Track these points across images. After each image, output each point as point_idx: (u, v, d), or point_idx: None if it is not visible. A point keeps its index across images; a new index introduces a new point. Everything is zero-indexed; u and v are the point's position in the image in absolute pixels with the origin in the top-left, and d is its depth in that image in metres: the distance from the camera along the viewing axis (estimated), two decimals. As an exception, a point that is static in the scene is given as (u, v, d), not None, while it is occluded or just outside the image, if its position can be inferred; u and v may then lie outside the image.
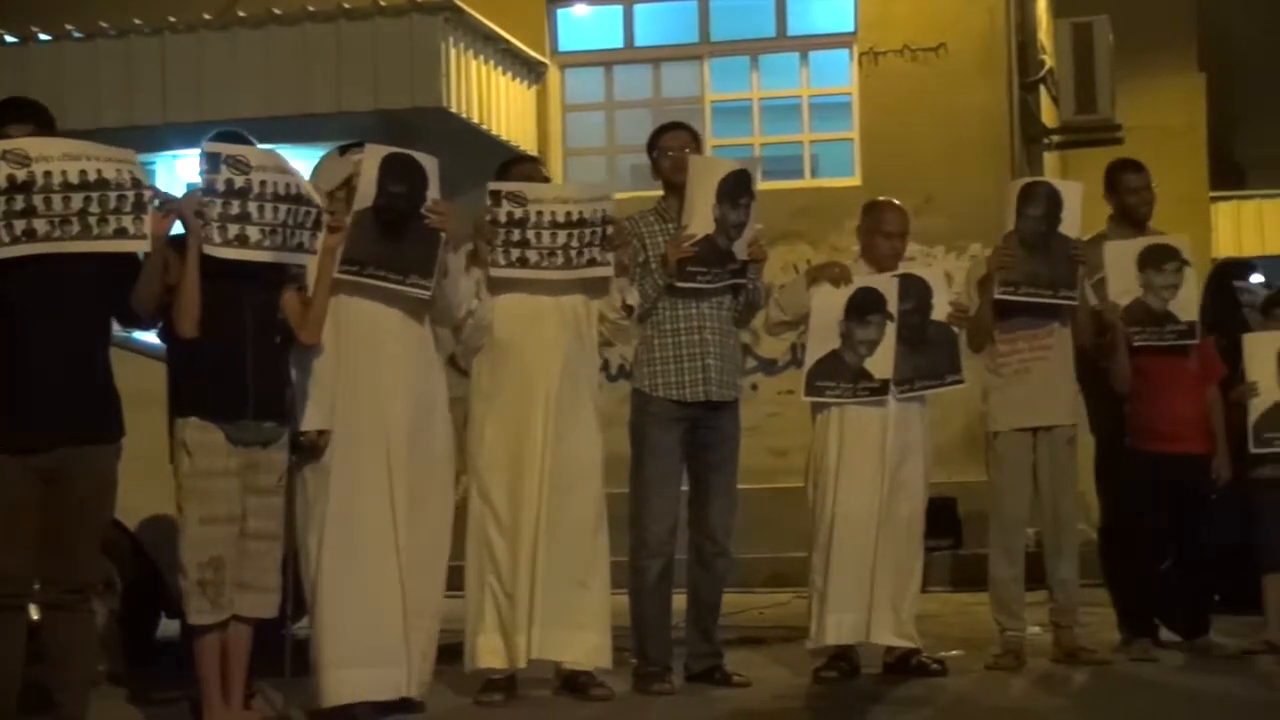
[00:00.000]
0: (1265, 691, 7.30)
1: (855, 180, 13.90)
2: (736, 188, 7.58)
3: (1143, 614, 8.47)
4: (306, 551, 6.69)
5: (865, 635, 7.74)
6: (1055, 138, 15.19)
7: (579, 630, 7.21)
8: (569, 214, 7.26)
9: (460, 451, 7.25)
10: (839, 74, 14.51)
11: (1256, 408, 8.49)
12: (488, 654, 7.17)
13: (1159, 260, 8.44)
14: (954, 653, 8.53)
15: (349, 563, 6.63)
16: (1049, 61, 14.95)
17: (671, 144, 7.84)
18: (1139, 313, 8.38)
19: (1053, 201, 8.19)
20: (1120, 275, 8.42)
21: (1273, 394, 8.49)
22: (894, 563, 7.77)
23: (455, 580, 7.18)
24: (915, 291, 7.91)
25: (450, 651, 7.25)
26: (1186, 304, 8.43)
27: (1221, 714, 6.77)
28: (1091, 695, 7.37)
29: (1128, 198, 8.91)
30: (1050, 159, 15.12)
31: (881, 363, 7.81)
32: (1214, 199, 19.47)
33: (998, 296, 8.09)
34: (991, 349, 8.27)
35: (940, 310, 7.94)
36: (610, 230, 7.32)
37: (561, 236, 7.25)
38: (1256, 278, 10.37)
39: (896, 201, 8.24)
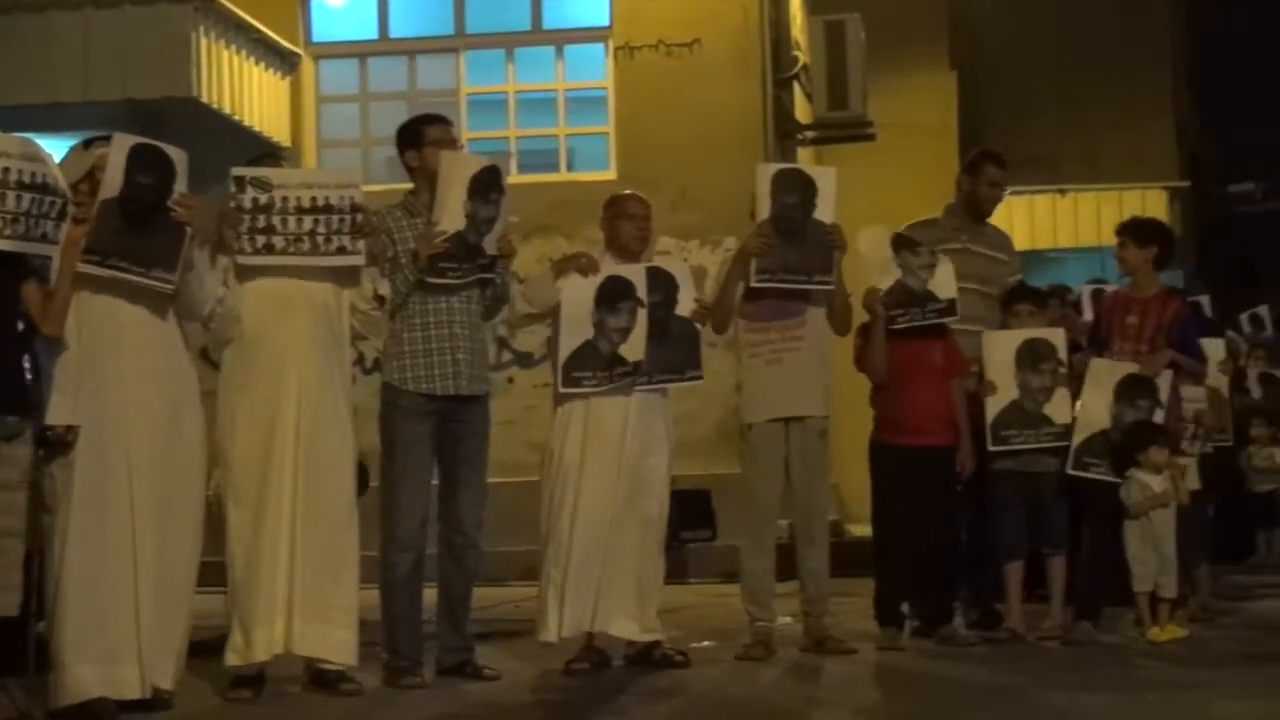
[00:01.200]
0: (1004, 676, 7.53)
1: (611, 174, 14.04)
2: (488, 184, 7.63)
3: (891, 603, 8.71)
4: (52, 548, 6.62)
5: (600, 625, 7.84)
6: (809, 133, 15.51)
7: (328, 626, 7.20)
8: (315, 199, 7.26)
9: (212, 445, 7.23)
10: (594, 68, 14.66)
11: (994, 406, 8.75)
12: (231, 653, 7.16)
13: (911, 245, 8.69)
14: (705, 644, 8.70)
15: (89, 559, 6.56)
16: (803, 58, 15.24)
17: (440, 136, 7.87)
18: (899, 295, 8.60)
19: (807, 188, 8.39)
20: (878, 262, 8.64)
21: (1010, 392, 8.77)
22: (636, 556, 7.88)
23: (214, 577, 7.16)
24: (662, 284, 8.04)
25: (207, 647, 7.25)
26: (944, 282, 8.64)
27: (958, 699, 6.96)
28: (838, 684, 7.54)
29: (982, 188, 9.20)
30: (804, 154, 15.41)
31: (634, 350, 7.92)
32: (966, 195, 19.94)
33: (754, 284, 8.25)
34: (743, 338, 8.45)
35: (685, 305, 8.08)
36: (359, 218, 7.34)
37: (308, 222, 7.24)
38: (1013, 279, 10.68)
39: (639, 193, 8.40)
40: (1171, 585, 8.58)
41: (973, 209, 9.28)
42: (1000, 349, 8.85)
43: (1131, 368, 8.79)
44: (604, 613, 7.81)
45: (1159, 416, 8.74)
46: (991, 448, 8.75)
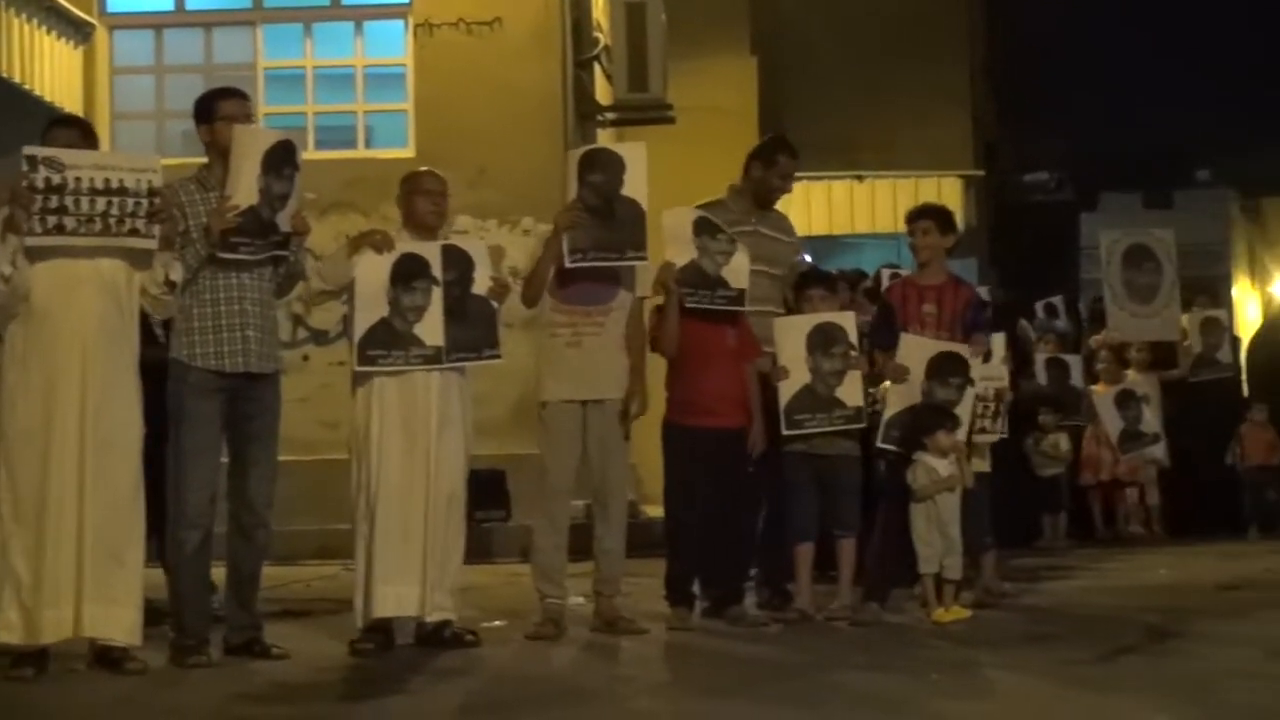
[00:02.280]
0: (791, 656, 7.67)
1: (409, 152, 13.99)
2: (281, 159, 7.60)
3: (681, 583, 8.82)
4: None
5: (413, 609, 7.89)
6: (609, 115, 15.59)
7: (113, 606, 7.15)
8: (109, 181, 7.17)
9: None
10: (394, 45, 14.58)
11: (787, 390, 8.90)
12: (4, 630, 7.10)
13: (712, 229, 8.80)
14: (497, 623, 8.75)
15: None
16: (604, 39, 15.31)
17: (234, 111, 7.79)
18: (693, 275, 8.70)
19: (614, 166, 8.47)
20: (678, 242, 8.74)
21: (802, 376, 8.94)
22: (436, 534, 7.91)
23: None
24: (457, 262, 8.06)
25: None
26: (738, 271, 8.77)
27: (745, 679, 7.06)
28: (627, 663, 7.63)
29: (774, 179, 9.35)
30: (604, 136, 15.47)
31: (431, 329, 7.93)
32: (763, 180, 20.14)
33: (568, 264, 8.33)
34: (546, 318, 8.50)
35: (481, 284, 8.11)
36: (156, 202, 7.27)
37: (101, 203, 7.15)
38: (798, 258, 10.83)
39: (436, 170, 8.42)
40: (956, 567, 8.79)
41: (760, 197, 9.43)
42: (792, 334, 9.00)
43: (943, 346, 8.98)
44: (413, 596, 7.83)
45: (969, 396, 8.95)
46: (785, 431, 8.89)
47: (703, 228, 8.78)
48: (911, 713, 6.08)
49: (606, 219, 8.38)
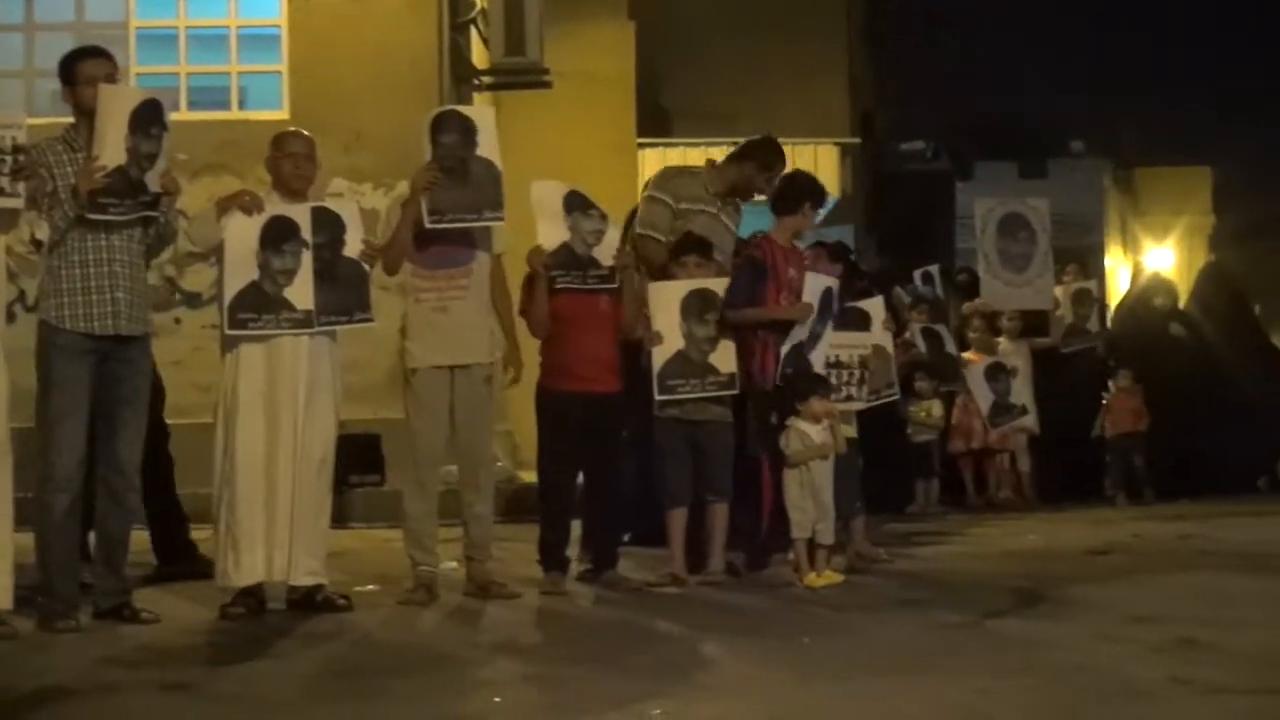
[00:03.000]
0: (663, 621, 7.67)
1: (283, 114, 13.86)
2: (148, 118, 7.52)
3: (554, 548, 8.84)
4: None
5: (279, 574, 7.85)
6: (485, 79, 15.53)
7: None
8: (-28, 138, 7.08)
9: None
10: (268, 6, 14.41)
11: (660, 356, 8.93)
12: None
13: (584, 205, 8.80)
14: (369, 588, 8.73)
15: None
16: (480, 2, 15.25)
17: (95, 72, 7.68)
18: (564, 258, 8.69)
19: (466, 127, 8.45)
20: (548, 219, 8.73)
21: (676, 342, 8.98)
22: (304, 499, 7.88)
23: None
24: (328, 225, 8.00)
25: None
26: (609, 249, 8.77)
27: (617, 643, 7.08)
28: (498, 627, 7.62)
29: (760, 183, 9.53)
30: (480, 99, 15.40)
31: (301, 292, 7.88)
32: (642, 146, 20.18)
33: (428, 225, 8.29)
34: (410, 283, 8.48)
35: (353, 247, 8.05)
36: (21, 159, 7.15)
37: (-36, 160, 7.06)
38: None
39: (305, 131, 8.37)
40: (829, 532, 8.87)
41: (738, 190, 9.54)
42: (665, 299, 9.03)
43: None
44: (279, 561, 7.80)
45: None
46: (659, 397, 8.93)
47: (574, 204, 8.77)
48: (778, 678, 6.13)
49: (463, 180, 8.36)
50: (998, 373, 14.47)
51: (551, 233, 8.68)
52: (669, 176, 10.15)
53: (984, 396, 14.43)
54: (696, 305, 9.00)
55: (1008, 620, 7.48)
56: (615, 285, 8.79)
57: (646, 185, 10.41)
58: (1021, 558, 10.17)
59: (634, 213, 10.75)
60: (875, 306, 10.19)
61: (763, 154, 9.77)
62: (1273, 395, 16.09)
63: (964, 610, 7.68)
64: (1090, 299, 15.45)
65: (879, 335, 10.08)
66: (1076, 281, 15.52)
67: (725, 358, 8.99)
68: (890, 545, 10.42)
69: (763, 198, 9.76)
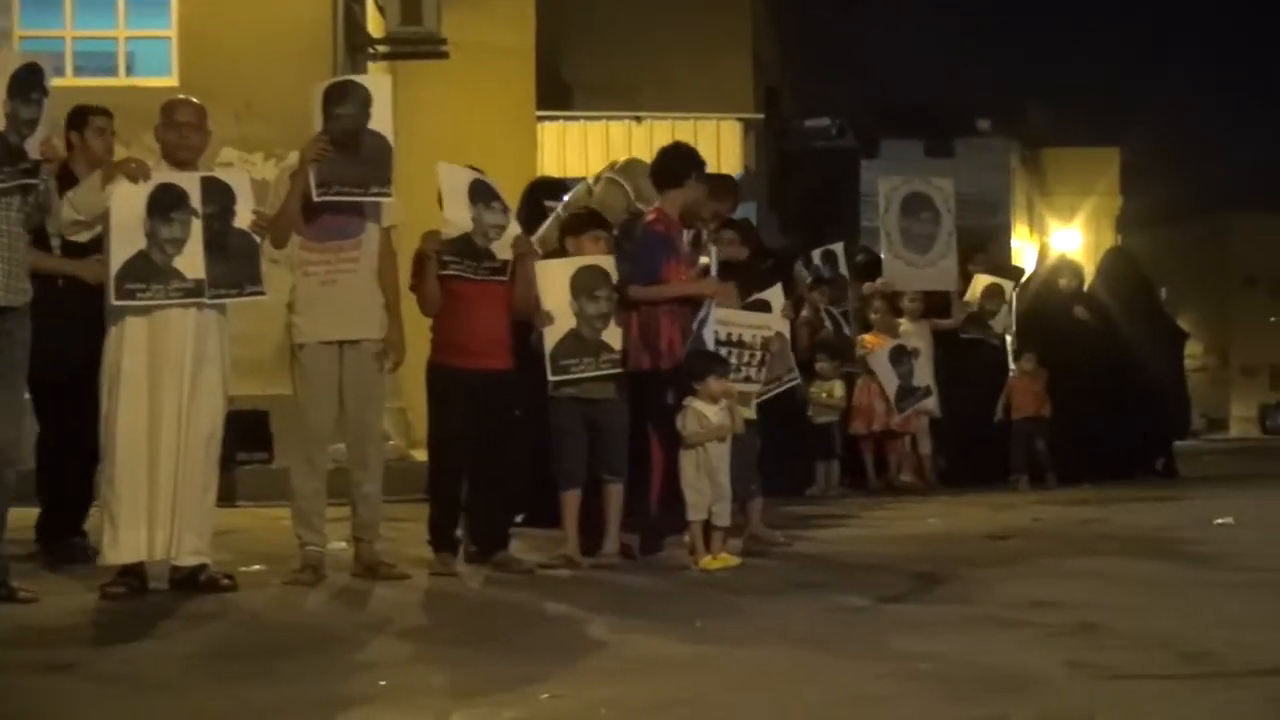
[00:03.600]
0: (554, 603, 7.67)
1: (172, 80, 13.77)
2: (28, 83, 7.43)
3: (444, 528, 8.82)
4: None
5: (161, 552, 7.77)
6: (380, 48, 15.46)
7: None
8: None
9: None
10: (157, -33, 14.34)
11: (552, 335, 8.92)
12: None
13: (488, 197, 8.75)
14: (255, 568, 8.69)
15: None
16: (377, -30, 15.21)
17: None
18: (462, 247, 8.65)
19: (360, 98, 8.39)
20: (454, 203, 8.68)
21: (567, 321, 8.97)
22: (189, 476, 7.80)
23: None
24: (217, 195, 7.92)
25: None
26: (508, 244, 8.75)
27: (505, 626, 7.07)
28: (385, 609, 7.60)
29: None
30: (375, 69, 15.37)
31: (191, 262, 7.79)
32: (541, 119, 20.18)
33: (315, 199, 8.23)
34: (298, 256, 8.42)
35: (243, 218, 7.98)
36: None
37: None
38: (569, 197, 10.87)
39: (194, 99, 8.28)
40: (725, 514, 8.90)
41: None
42: (555, 278, 9.00)
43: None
44: (161, 539, 7.73)
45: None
46: (552, 377, 8.92)
47: (479, 194, 8.73)
48: (670, 661, 6.13)
49: (353, 152, 8.31)
50: (901, 355, 14.59)
51: (456, 217, 8.63)
52: (640, 173, 10.13)
53: (889, 380, 14.55)
54: (587, 282, 8.99)
55: (905, 604, 7.52)
56: (506, 278, 8.76)
57: (610, 167, 10.44)
58: (921, 542, 10.25)
59: (531, 187, 10.76)
60: (775, 295, 10.21)
61: (718, 182, 9.89)
62: (1172, 380, 16.32)
63: (861, 594, 7.72)
64: (1002, 299, 15.58)
65: (779, 322, 10.11)
66: (993, 278, 15.64)
67: (616, 335, 9.00)
68: (788, 528, 10.47)
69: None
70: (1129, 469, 15.89)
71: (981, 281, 15.60)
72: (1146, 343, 16.26)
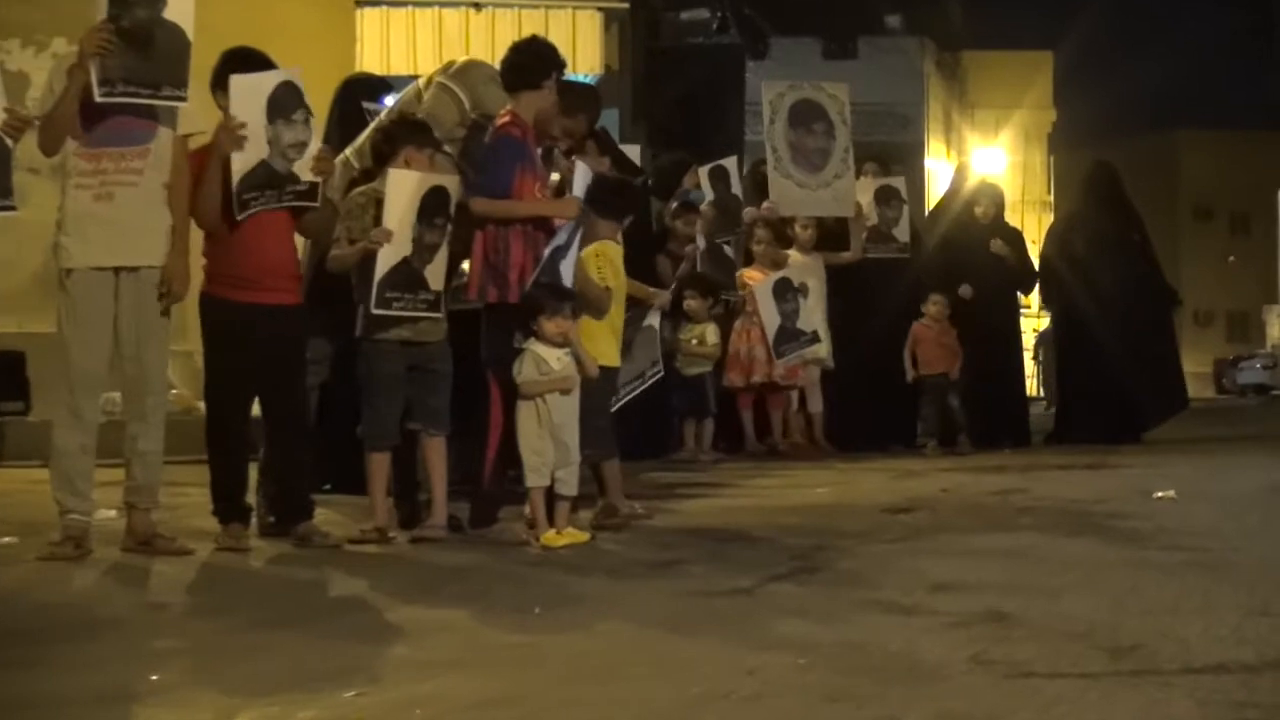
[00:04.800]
0: (359, 584, 7.73)
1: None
2: (285, 104, 7.89)
3: (231, 494, 8.80)
4: None
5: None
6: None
7: None
8: None
9: None
10: None
11: (385, 260, 8.90)
12: None
13: (288, 109, 8.71)
14: (6, 540, 8.65)
15: None
16: None
17: None
18: (260, 176, 8.65)
19: None
20: (246, 112, 8.61)
21: (404, 247, 8.95)
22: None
23: None
24: (-48, 89, 7.87)
25: None
26: (306, 166, 8.74)
27: (300, 609, 7.06)
28: (163, 590, 7.61)
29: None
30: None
31: None
32: (360, 3, 20.05)
33: (97, 98, 8.17)
34: (71, 164, 8.34)
35: (-9, 119, 7.95)
36: None
37: None
38: (391, 99, 10.82)
39: None
40: (571, 481, 8.93)
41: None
42: (406, 191, 8.98)
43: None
44: None
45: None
46: (375, 310, 8.89)
47: (279, 108, 8.69)
48: (500, 653, 6.16)
49: (144, 46, 8.24)
50: (786, 290, 14.55)
51: (250, 134, 8.59)
52: (479, 79, 10.10)
53: (770, 319, 14.49)
54: (432, 204, 8.98)
55: (784, 588, 7.58)
56: (316, 204, 8.75)
57: (444, 70, 10.38)
58: (807, 514, 10.36)
59: (346, 86, 10.71)
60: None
61: (579, 94, 9.85)
62: (1158, 326, 16.39)
63: (733, 576, 7.77)
64: (898, 199, 15.63)
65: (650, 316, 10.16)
66: (879, 178, 15.69)
67: (437, 273, 9.00)
68: (649, 498, 10.56)
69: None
70: (1071, 431, 16.12)
71: (870, 186, 15.62)
72: (1132, 288, 16.34)
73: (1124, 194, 17.48)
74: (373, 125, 10.19)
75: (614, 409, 9.92)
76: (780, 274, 14.70)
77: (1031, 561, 8.23)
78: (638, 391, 10.31)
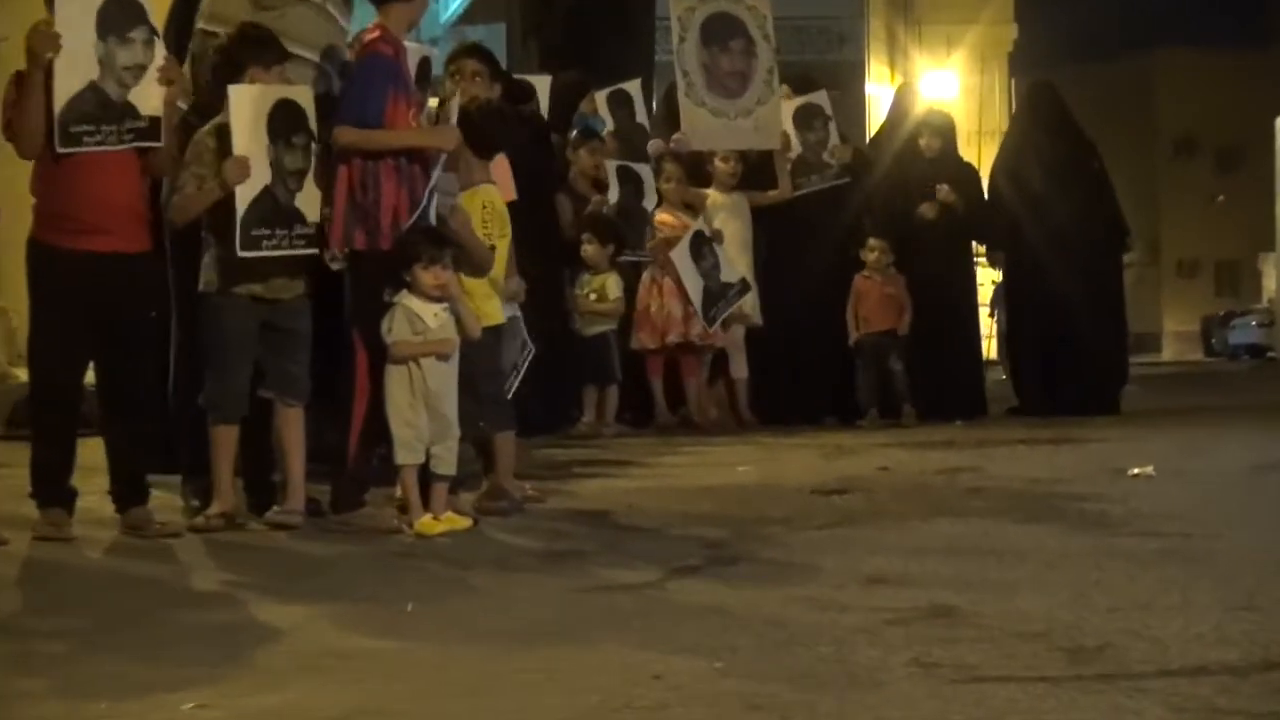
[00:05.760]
0: (196, 577, 7.77)
1: None
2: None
3: (54, 475, 8.79)
4: None
5: None
6: None
7: None
8: None
9: None
10: None
11: (246, 193, 8.89)
12: None
13: (122, 25, 8.70)
14: None
15: None
16: None
17: None
18: (91, 105, 8.61)
19: None
20: (72, 27, 8.58)
21: (264, 175, 8.94)
22: None
23: None
24: None
25: None
26: (149, 94, 8.74)
27: (141, 608, 7.05)
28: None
29: None
30: None
31: None
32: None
33: None
34: None
35: None
36: None
37: None
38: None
39: None
40: (450, 458, 8.94)
41: None
42: (252, 108, 8.98)
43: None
44: None
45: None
46: (243, 252, 8.87)
47: (112, 23, 8.67)
48: (364, 658, 6.17)
49: None
50: (701, 246, 14.50)
51: (75, 52, 8.57)
52: None
53: (693, 283, 14.47)
54: (285, 122, 8.95)
55: (697, 581, 7.62)
56: (158, 141, 8.76)
57: None
58: (725, 497, 10.43)
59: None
60: None
61: None
62: (1111, 274, 16.45)
63: (638, 568, 7.83)
64: (821, 116, 15.59)
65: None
66: (802, 97, 15.65)
67: (312, 201, 8.98)
68: (541, 478, 10.59)
69: None
70: (1026, 400, 16.21)
71: (790, 106, 15.58)
72: (1086, 225, 16.37)
73: (1073, 117, 17.51)
74: (197, 33, 10.03)
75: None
76: (693, 229, 14.62)
77: (982, 551, 8.29)
78: (515, 384, 10.29)
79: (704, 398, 15.19)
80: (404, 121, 9.16)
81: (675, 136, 15.06)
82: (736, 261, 14.85)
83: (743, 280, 14.74)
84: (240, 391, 9.05)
